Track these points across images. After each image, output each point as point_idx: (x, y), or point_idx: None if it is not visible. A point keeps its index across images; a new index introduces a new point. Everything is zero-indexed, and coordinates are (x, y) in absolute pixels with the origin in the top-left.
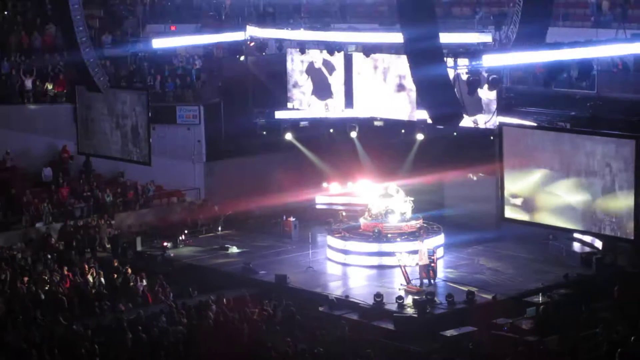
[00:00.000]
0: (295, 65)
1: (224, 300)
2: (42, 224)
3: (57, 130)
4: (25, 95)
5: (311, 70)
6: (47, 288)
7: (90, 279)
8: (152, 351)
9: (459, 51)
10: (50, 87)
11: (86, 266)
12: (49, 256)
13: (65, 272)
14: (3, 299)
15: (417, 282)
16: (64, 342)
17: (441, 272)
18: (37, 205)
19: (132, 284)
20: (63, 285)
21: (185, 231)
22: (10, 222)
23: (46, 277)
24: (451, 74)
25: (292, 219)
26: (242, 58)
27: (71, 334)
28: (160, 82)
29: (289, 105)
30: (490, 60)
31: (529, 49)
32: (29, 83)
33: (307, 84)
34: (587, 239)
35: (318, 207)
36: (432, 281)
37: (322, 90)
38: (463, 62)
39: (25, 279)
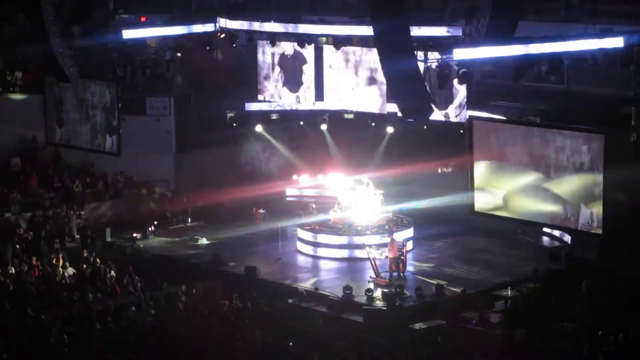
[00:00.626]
0: (266, 57)
1: (194, 291)
2: (11, 214)
3: (26, 120)
4: None
5: (282, 62)
6: (15, 278)
7: (59, 269)
8: (122, 342)
9: (429, 44)
10: (19, 76)
11: (54, 257)
12: (18, 246)
13: (34, 262)
14: None
15: (387, 275)
16: (33, 332)
17: (410, 265)
18: (6, 195)
19: (101, 274)
20: (31, 275)
21: (155, 222)
22: None
23: (14, 267)
24: (421, 67)
25: (262, 210)
26: (212, 50)
27: (40, 324)
28: (131, 72)
29: (260, 97)
30: (461, 54)
31: (499, 43)
32: None
33: (277, 76)
34: (556, 233)
35: (288, 199)
36: (401, 274)
37: (292, 82)
38: (434, 55)
39: None
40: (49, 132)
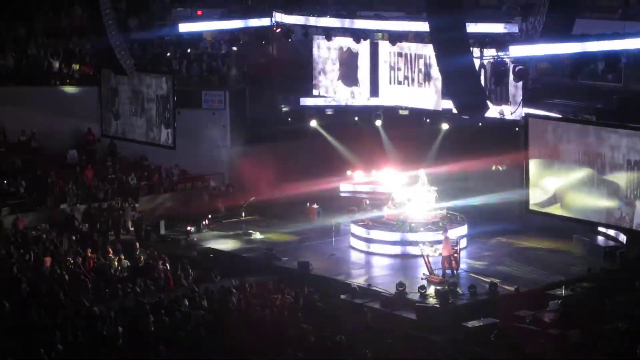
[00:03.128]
0: (321, 52)
1: (247, 285)
2: (67, 206)
3: (82, 112)
4: (51, 77)
5: (337, 58)
6: (70, 269)
7: (114, 261)
8: (174, 335)
9: (485, 41)
10: (76, 69)
11: (109, 248)
12: (73, 237)
13: (89, 254)
14: (27, 280)
15: (440, 273)
16: (87, 323)
17: (464, 263)
18: (62, 187)
19: (154, 267)
20: (86, 267)
21: (209, 216)
22: (35, 202)
23: (70, 259)
24: (477, 64)
25: (315, 206)
26: (268, 44)
27: (94, 316)
28: (186, 66)
29: (315, 92)
30: (517, 51)
31: (555, 40)
32: (55, 65)
33: (332, 71)
34: (612, 232)
35: (342, 194)
36: (454, 272)
37: (347, 77)
38: (489, 52)
39: (49, 259)
40: (104, 125)
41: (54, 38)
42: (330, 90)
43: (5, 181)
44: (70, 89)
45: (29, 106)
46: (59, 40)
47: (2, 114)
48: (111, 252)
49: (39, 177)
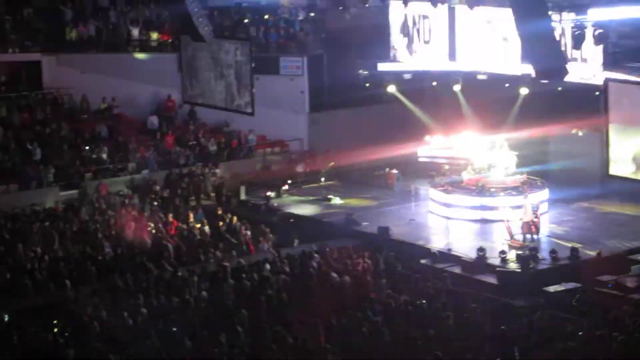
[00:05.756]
0: (398, 17)
1: (327, 250)
2: (148, 171)
3: (162, 79)
4: (131, 44)
5: (414, 23)
6: (152, 235)
7: (196, 226)
8: (256, 299)
9: (564, 5)
10: (155, 36)
11: (190, 214)
12: (155, 203)
13: (170, 220)
14: (111, 244)
15: (520, 237)
16: (171, 287)
17: (545, 228)
18: (143, 153)
19: (235, 232)
20: (168, 232)
21: (289, 181)
22: (116, 168)
23: (152, 224)
24: (556, 28)
25: (394, 171)
26: (345, 9)
27: (177, 280)
28: (264, 32)
29: (392, 57)
30: (596, 15)
31: (636, 2)
32: (135, 32)
33: (409, 36)
34: None
35: (420, 160)
36: (535, 236)
37: (425, 42)
38: (569, 16)
39: (132, 224)
40: (184, 91)
41: (134, 6)
42: (407, 56)
43: (87, 147)
44: (149, 56)
45: (110, 74)
46: (139, 9)
47: (84, 82)
48: (192, 217)
49: (120, 143)
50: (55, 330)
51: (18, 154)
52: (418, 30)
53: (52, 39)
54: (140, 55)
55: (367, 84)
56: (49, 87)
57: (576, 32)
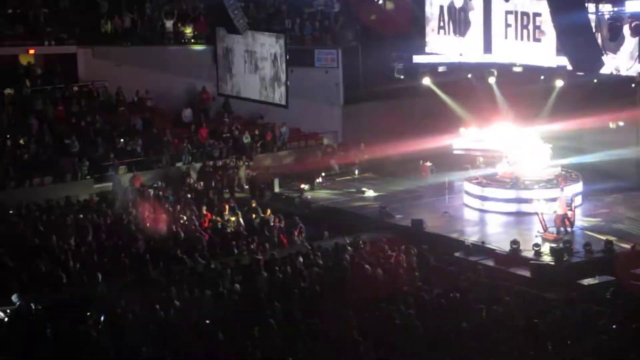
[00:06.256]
0: (434, 8)
1: (360, 243)
2: (182, 164)
3: (196, 71)
4: (166, 37)
5: (450, 15)
6: (186, 227)
7: (230, 219)
8: (289, 291)
9: None
10: (190, 28)
11: (225, 206)
12: (189, 195)
13: (204, 212)
14: (144, 236)
15: (554, 230)
16: (204, 279)
17: (579, 221)
18: (177, 145)
19: (269, 225)
20: (202, 224)
21: (323, 174)
22: (151, 160)
23: (185, 216)
24: (593, 19)
25: (428, 163)
26: (380, 1)
27: (210, 272)
28: (299, 25)
29: (427, 49)
30: (633, 6)
31: None
32: (169, 24)
33: (445, 29)
34: None
35: (455, 152)
36: (569, 229)
37: (460, 34)
38: (605, 7)
39: (166, 217)
40: (219, 84)
41: None
42: (442, 48)
43: (122, 140)
44: (184, 48)
45: (144, 66)
46: (174, 1)
47: (119, 75)
48: (226, 209)
49: (154, 135)
50: (89, 323)
51: (53, 147)
52: (453, 23)
53: (88, 31)
54: (175, 48)
55: (402, 77)
56: (84, 79)
57: (613, 24)
